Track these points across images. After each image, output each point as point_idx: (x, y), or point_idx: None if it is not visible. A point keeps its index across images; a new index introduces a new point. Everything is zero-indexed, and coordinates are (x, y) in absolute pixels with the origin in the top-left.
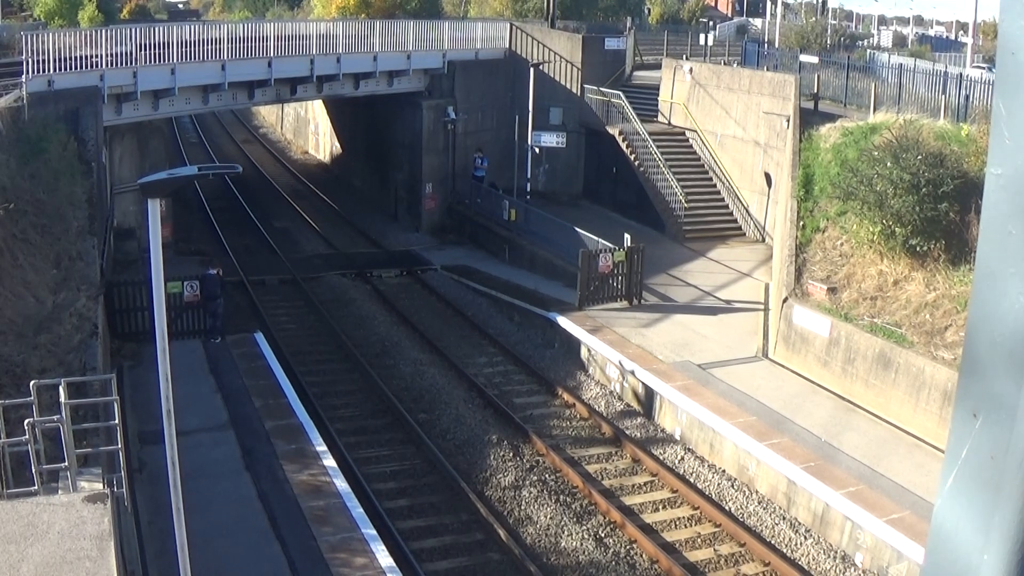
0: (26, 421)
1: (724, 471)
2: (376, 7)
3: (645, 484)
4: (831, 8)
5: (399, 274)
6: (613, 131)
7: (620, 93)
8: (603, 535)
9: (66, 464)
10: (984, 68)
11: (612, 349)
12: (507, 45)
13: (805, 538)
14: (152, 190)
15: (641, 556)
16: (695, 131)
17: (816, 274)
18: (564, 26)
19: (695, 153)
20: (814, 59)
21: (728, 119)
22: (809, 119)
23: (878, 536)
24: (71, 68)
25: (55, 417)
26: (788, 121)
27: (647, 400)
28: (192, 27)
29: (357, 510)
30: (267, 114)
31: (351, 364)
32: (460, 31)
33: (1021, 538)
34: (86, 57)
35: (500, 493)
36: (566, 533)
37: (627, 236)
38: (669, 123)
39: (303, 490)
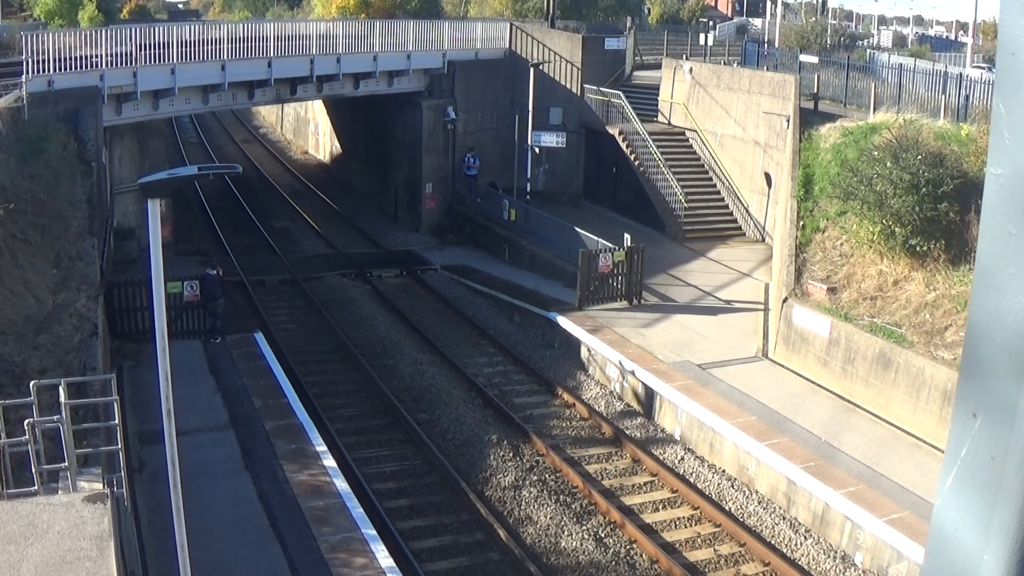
0: (26, 421)
1: (724, 471)
2: (376, 7)
3: (645, 484)
4: (831, 8)
5: (399, 274)
6: (613, 131)
7: (620, 93)
8: (603, 535)
9: (66, 464)
10: (984, 68)
11: (612, 349)
12: (507, 45)
13: (805, 538)
14: (152, 190)
15: (641, 556)
16: (695, 131)
17: (816, 274)
18: (564, 26)
19: (695, 153)
20: (814, 59)
21: (728, 119)
22: (809, 119)
23: (878, 536)
24: (71, 68)
25: (55, 417)
26: (788, 121)
27: (647, 400)
28: (192, 27)
29: (357, 510)
30: (267, 114)
31: (351, 364)
32: (460, 31)
33: (1021, 538)
34: (86, 57)
35: (500, 493)
36: (566, 533)
37: (627, 236)
38: (669, 123)
39: (303, 490)
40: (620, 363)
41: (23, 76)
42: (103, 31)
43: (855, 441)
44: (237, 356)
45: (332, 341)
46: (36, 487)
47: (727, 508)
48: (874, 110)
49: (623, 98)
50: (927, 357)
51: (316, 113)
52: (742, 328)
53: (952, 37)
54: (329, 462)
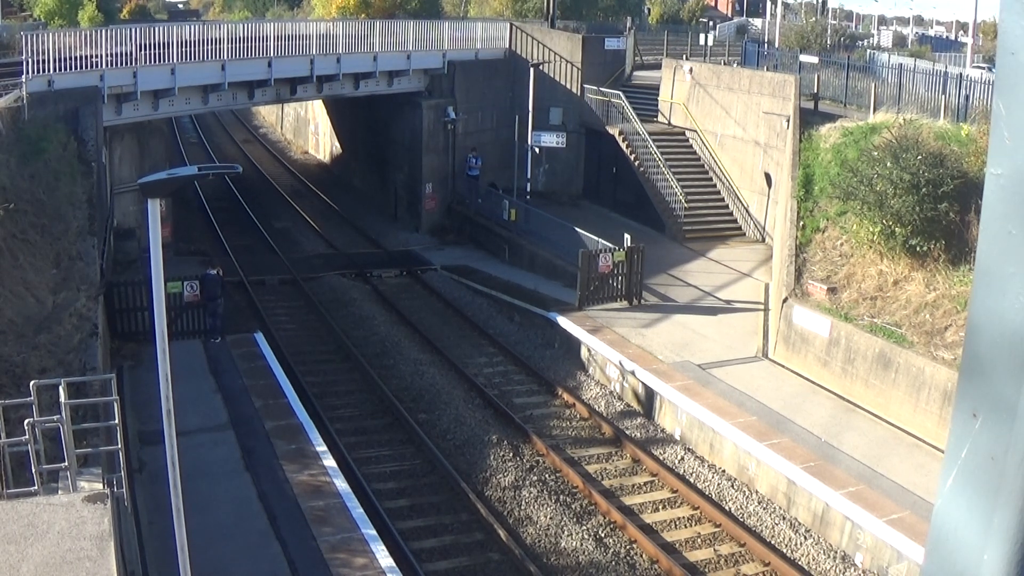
0: (26, 421)
1: (724, 471)
2: (376, 7)
3: (645, 484)
4: (831, 8)
5: (399, 274)
6: (613, 131)
7: (620, 93)
8: (603, 535)
9: (66, 464)
10: (984, 68)
11: (612, 349)
12: (507, 45)
13: (805, 538)
14: (152, 190)
15: (641, 556)
16: (695, 131)
17: (816, 274)
18: (564, 26)
19: (695, 153)
20: (814, 59)
21: (728, 119)
22: (809, 119)
23: (878, 536)
24: (71, 68)
25: (55, 417)
26: (788, 121)
27: (647, 400)
28: (192, 27)
29: (357, 510)
30: (267, 114)
31: (351, 364)
32: (460, 31)
33: (1021, 538)
34: (86, 57)
35: (500, 493)
36: (566, 533)
37: (627, 236)
38: (669, 123)
39: (303, 490)
40: (620, 363)
41: (23, 76)
42: (103, 31)
43: (855, 441)
44: (237, 356)
45: (332, 341)
46: (36, 487)
47: (727, 508)
48: (874, 110)
49: (623, 98)
50: (927, 357)
51: (316, 113)
52: (742, 328)
53: (952, 37)
54: (329, 462)
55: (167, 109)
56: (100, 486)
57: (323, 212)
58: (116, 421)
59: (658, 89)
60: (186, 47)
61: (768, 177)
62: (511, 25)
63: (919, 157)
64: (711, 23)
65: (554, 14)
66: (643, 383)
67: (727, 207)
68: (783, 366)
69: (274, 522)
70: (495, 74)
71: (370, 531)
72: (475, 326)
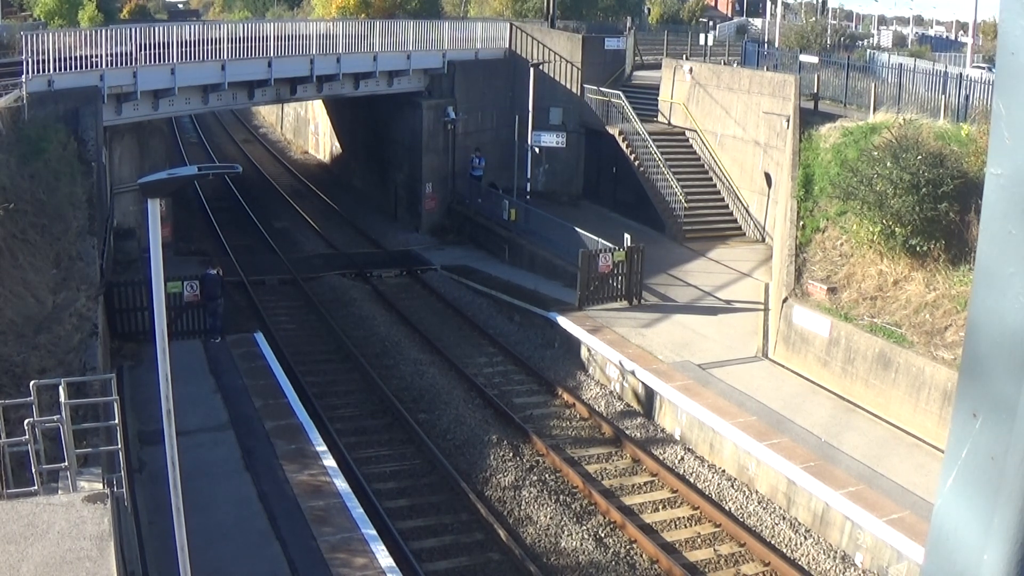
0: (26, 421)
1: (724, 471)
2: (376, 7)
3: (645, 484)
4: (831, 8)
5: (399, 274)
6: (613, 131)
7: (620, 93)
8: (603, 535)
9: (66, 464)
10: (984, 68)
11: (612, 349)
12: (507, 45)
13: (805, 538)
14: (152, 190)
15: (641, 556)
16: (695, 131)
17: (816, 274)
18: (564, 26)
19: (695, 153)
20: (814, 59)
21: (728, 119)
22: (809, 119)
23: (878, 536)
24: (71, 68)
25: (55, 417)
26: (788, 121)
27: (647, 400)
28: (192, 27)
29: (357, 510)
30: (267, 114)
31: (351, 364)
32: (460, 31)
33: (1021, 538)
34: (86, 57)
35: (500, 493)
36: (566, 533)
37: (627, 236)
38: (669, 123)
39: (303, 490)
40: (620, 363)
41: (23, 76)
42: (103, 31)
43: (855, 441)
44: (237, 356)
45: (332, 341)
46: (36, 487)
47: (727, 508)
48: (874, 110)
49: (623, 98)
50: (927, 357)
51: (316, 113)
52: (742, 328)
53: (952, 37)
54: (329, 462)
55: (167, 109)
56: (100, 486)
57: (323, 212)
58: (116, 421)
59: (658, 89)
60: (186, 47)
61: (768, 177)
62: (511, 25)
63: (919, 157)
64: (711, 23)
65: (554, 14)
66: (643, 383)
67: (727, 207)
68: (783, 366)
69: (274, 522)
70: (495, 74)
71: (370, 531)
72: (475, 326)
